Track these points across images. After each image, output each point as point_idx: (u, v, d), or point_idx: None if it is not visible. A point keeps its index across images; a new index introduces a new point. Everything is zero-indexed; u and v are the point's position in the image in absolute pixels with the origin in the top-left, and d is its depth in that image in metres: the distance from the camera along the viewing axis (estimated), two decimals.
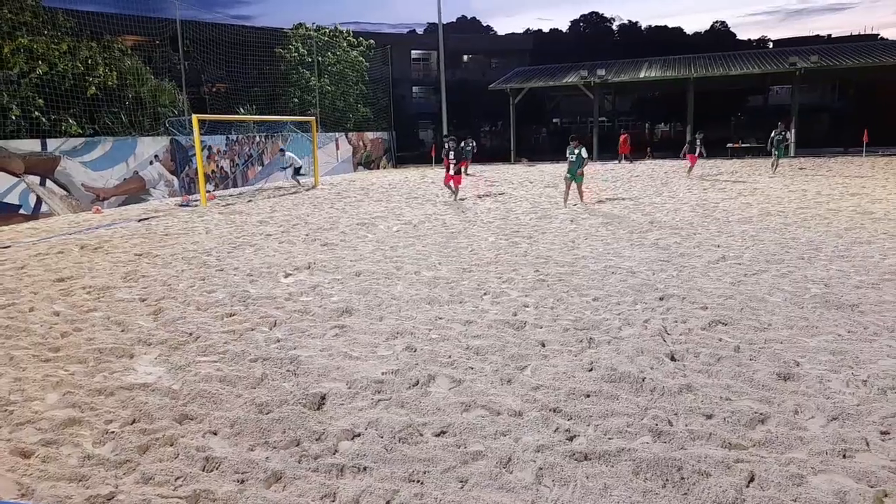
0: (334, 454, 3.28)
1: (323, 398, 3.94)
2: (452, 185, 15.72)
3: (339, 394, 4.00)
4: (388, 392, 4.03)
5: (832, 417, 3.50)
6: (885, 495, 2.73)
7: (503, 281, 7.00)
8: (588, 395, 3.90)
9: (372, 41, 32.67)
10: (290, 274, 7.68)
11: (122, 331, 5.49)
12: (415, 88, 46.51)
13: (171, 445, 3.39)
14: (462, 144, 19.91)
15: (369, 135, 31.55)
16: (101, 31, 17.76)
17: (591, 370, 4.32)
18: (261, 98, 24.97)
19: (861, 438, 3.24)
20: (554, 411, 3.69)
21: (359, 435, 3.46)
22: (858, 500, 2.70)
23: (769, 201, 13.32)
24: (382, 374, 4.31)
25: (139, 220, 13.50)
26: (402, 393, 4.01)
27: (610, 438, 3.36)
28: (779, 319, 5.30)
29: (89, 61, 16.80)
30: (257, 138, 22.93)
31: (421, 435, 3.45)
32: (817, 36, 49.39)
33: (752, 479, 2.90)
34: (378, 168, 31.73)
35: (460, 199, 15.48)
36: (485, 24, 58.27)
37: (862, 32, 51.62)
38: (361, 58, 31.42)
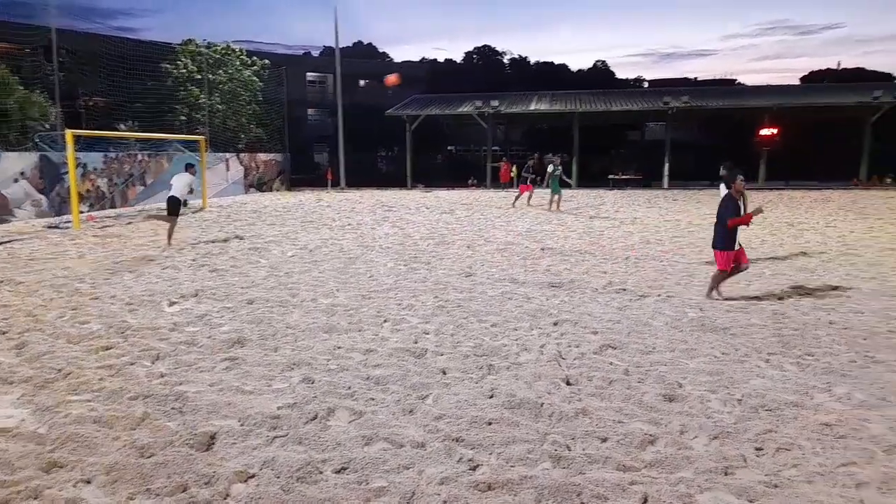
0: (225, 499, 3.06)
1: (212, 437, 3.68)
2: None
3: (230, 432, 3.76)
4: (284, 428, 3.84)
5: (713, 436, 3.73)
6: None
7: (403, 307, 6.95)
8: (490, 423, 3.92)
9: (266, 61, 31.92)
10: (176, 302, 7.20)
11: None
12: (310, 111, 45.85)
13: (36, 498, 3.02)
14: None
15: (262, 156, 30.62)
16: None
17: (491, 397, 4.36)
18: (145, 114, 23.58)
19: (740, 455, 3.47)
20: (457, 441, 3.68)
21: (253, 476, 3.26)
22: None
23: (648, 230, 14.27)
24: (278, 408, 4.11)
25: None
26: (299, 428, 3.83)
27: (512, 466, 3.38)
28: (662, 343, 5.63)
29: None
30: (139, 156, 21.57)
31: (320, 472, 3.30)
32: (686, 78, 54.04)
33: (645, 501, 3.02)
34: (271, 190, 30.80)
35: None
36: (381, 51, 58.59)
37: (723, 77, 57.15)
38: (255, 77, 30.58)
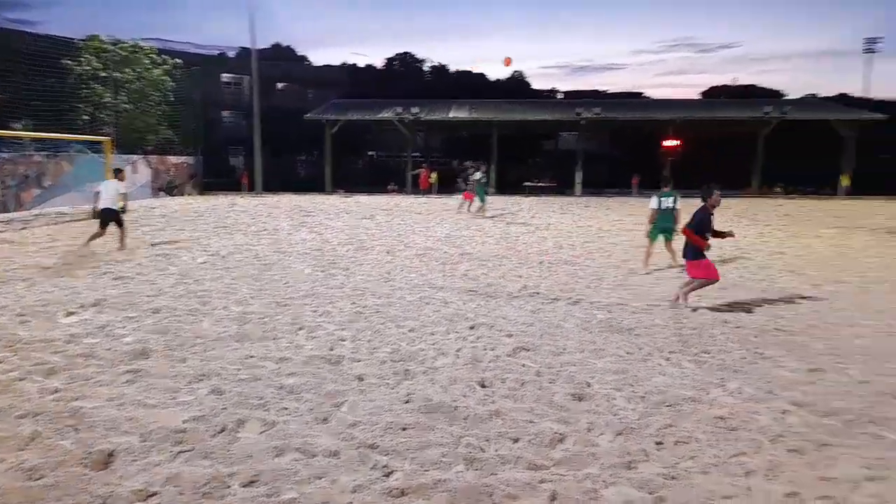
0: None
1: (110, 455, 3.48)
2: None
3: (130, 449, 3.56)
4: (190, 442, 3.68)
5: (618, 432, 3.91)
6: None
7: (319, 314, 6.84)
8: (405, 429, 3.93)
9: (178, 60, 30.60)
10: (74, 312, 6.76)
11: None
12: (226, 113, 44.32)
13: None
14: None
15: (173, 159, 29.31)
16: None
17: (407, 402, 4.36)
18: (44, 113, 22.01)
19: (641, 450, 3.65)
20: (371, 448, 3.66)
21: (154, 494, 3.11)
22: None
23: (561, 236, 14.75)
24: (184, 422, 3.94)
25: None
26: (206, 442, 3.69)
27: (426, 471, 3.40)
28: (573, 344, 5.83)
29: None
30: (36, 157, 20.10)
31: (228, 487, 3.19)
32: (597, 91, 56.39)
33: (554, 498, 3.12)
34: (182, 195, 29.51)
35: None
36: (300, 54, 57.42)
37: (631, 90, 60.06)
38: (166, 77, 29.24)
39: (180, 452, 3.55)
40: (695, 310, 7.15)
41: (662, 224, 10.03)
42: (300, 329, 6.24)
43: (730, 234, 7.62)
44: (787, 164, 33.59)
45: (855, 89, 53.90)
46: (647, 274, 9.64)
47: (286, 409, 4.21)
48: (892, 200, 28.33)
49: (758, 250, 12.27)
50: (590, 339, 6.03)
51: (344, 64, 56.04)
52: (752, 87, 53.02)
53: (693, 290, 7.39)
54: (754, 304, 7.61)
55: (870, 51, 49.18)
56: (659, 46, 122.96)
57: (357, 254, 11.45)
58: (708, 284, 7.37)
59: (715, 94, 52.02)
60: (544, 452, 3.63)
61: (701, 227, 7.13)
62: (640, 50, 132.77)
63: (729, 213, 21.25)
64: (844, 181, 32.74)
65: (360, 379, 4.84)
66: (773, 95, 48.00)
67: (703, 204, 7.28)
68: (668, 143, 32.76)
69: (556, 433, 3.85)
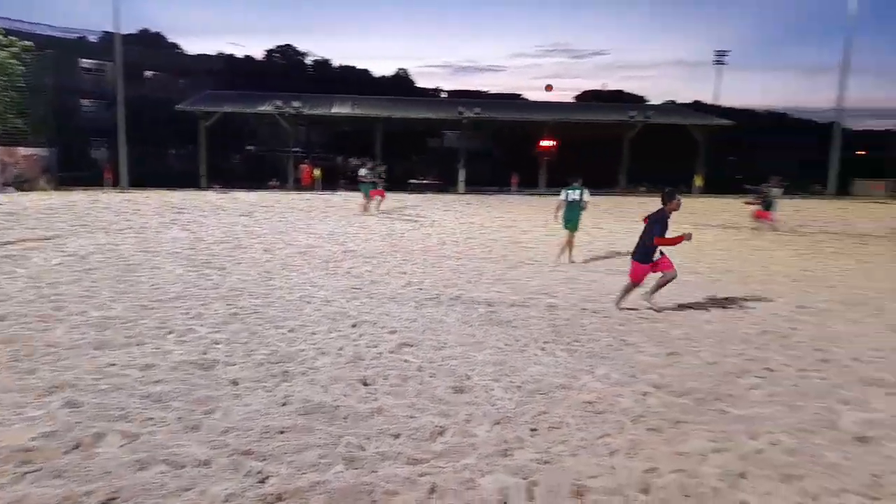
0: None
1: None
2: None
3: None
4: (38, 461, 3.34)
5: (496, 422, 4.03)
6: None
7: (191, 317, 6.47)
8: (282, 432, 3.81)
9: (30, 42, 27.64)
10: None
11: None
12: (85, 102, 40.63)
13: None
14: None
15: (22, 150, 26.47)
16: None
17: (285, 404, 4.24)
18: None
19: (517, 437, 3.79)
20: (246, 454, 3.51)
21: None
22: (516, 493, 3.15)
23: (445, 232, 15.00)
24: (31, 439, 3.57)
25: None
26: (58, 460, 3.37)
27: (304, 473, 3.32)
28: (454, 338, 5.94)
29: None
30: None
31: None
32: (479, 91, 57.89)
33: (433, 491, 3.16)
34: (34, 190, 26.73)
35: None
36: (171, 41, 53.82)
37: (511, 92, 62.32)
38: (14, 60, 26.32)
39: (27, 473, 3.22)
40: (659, 310, 7.20)
41: (569, 215, 10.74)
42: (169, 333, 5.86)
43: (688, 237, 7.18)
44: (650, 165, 36.29)
45: (707, 97, 59.30)
46: (556, 266, 10.40)
47: (151, 419, 3.94)
48: (738, 198, 31.50)
49: (624, 241, 13.13)
50: (470, 332, 6.17)
51: (220, 54, 53.40)
52: (620, 92, 56.84)
53: (629, 292, 7.39)
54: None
55: (719, 62, 54.25)
56: (537, 51, 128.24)
57: (234, 252, 10.96)
58: (630, 289, 7.39)
59: (587, 98, 55.18)
60: (424, 446, 3.67)
61: (663, 231, 7.13)
62: (519, 53, 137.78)
63: (600, 209, 22.62)
64: (698, 181, 35.92)
65: (235, 383, 4.63)
66: (637, 101, 51.69)
67: (661, 207, 7.20)
68: (544, 143, 34.27)
69: (436, 426, 3.91)
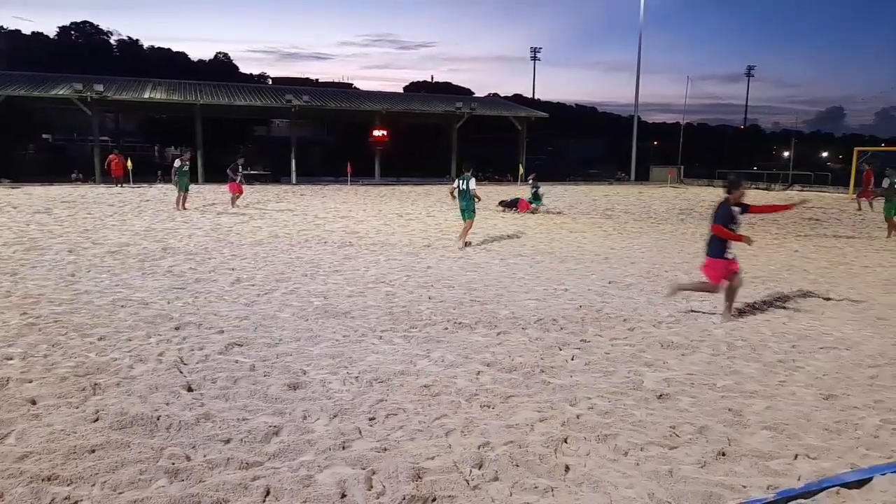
0: None
1: None
2: None
3: None
4: None
5: (333, 415, 3.97)
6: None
7: None
8: (93, 451, 3.41)
9: None
10: None
11: None
12: None
13: None
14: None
15: None
16: None
17: (96, 420, 3.81)
18: None
19: (355, 428, 3.77)
20: (48, 480, 3.10)
21: None
22: (355, 483, 3.12)
23: (276, 224, 14.44)
24: None
25: None
26: None
27: (120, 493, 3.01)
28: (288, 333, 5.75)
29: None
30: None
31: None
32: (307, 79, 56.39)
33: (268, 493, 3.03)
34: None
35: None
36: None
37: (341, 80, 61.48)
38: None
39: None
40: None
41: (462, 204, 11.56)
42: None
43: (748, 240, 6.67)
44: (477, 153, 37.97)
45: (526, 90, 63.33)
46: (461, 249, 11.02)
47: None
48: (583, 185, 34.06)
49: (454, 231, 13.61)
50: (306, 326, 6.01)
51: (3, 29, 46.29)
52: (448, 84, 58.62)
53: (693, 290, 6.96)
54: (454, 279, 8.43)
55: (535, 58, 58.16)
56: (363, 40, 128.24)
57: (28, 255, 9.61)
58: (706, 290, 6.77)
59: (416, 89, 56.15)
60: (258, 448, 3.50)
61: (726, 222, 6.40)
62: (346, 42, 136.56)
63: (432, 198, 23.22)
64: (521, 171, 38.25)
65: (33, 402, 4.07)
66: (464, 92, 53.68)
67: (725, 196, 6.52)
68: (376, 132, 34.32)
69: (270, 426, 3.75)
